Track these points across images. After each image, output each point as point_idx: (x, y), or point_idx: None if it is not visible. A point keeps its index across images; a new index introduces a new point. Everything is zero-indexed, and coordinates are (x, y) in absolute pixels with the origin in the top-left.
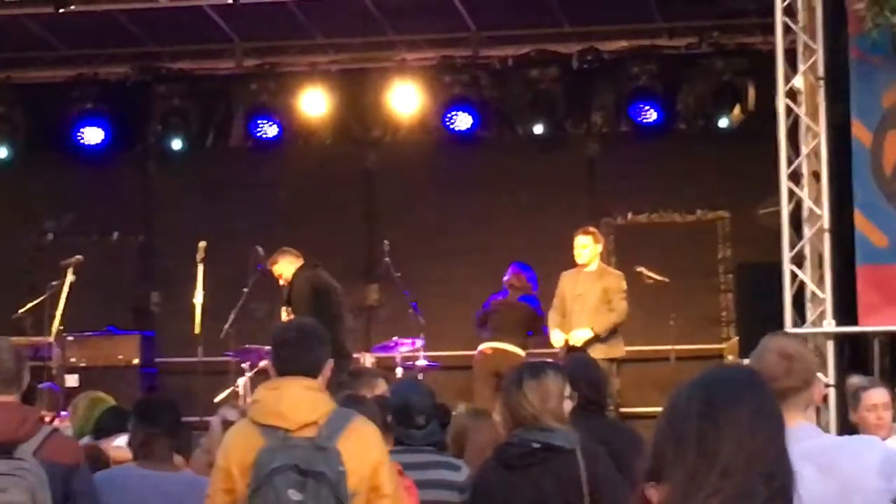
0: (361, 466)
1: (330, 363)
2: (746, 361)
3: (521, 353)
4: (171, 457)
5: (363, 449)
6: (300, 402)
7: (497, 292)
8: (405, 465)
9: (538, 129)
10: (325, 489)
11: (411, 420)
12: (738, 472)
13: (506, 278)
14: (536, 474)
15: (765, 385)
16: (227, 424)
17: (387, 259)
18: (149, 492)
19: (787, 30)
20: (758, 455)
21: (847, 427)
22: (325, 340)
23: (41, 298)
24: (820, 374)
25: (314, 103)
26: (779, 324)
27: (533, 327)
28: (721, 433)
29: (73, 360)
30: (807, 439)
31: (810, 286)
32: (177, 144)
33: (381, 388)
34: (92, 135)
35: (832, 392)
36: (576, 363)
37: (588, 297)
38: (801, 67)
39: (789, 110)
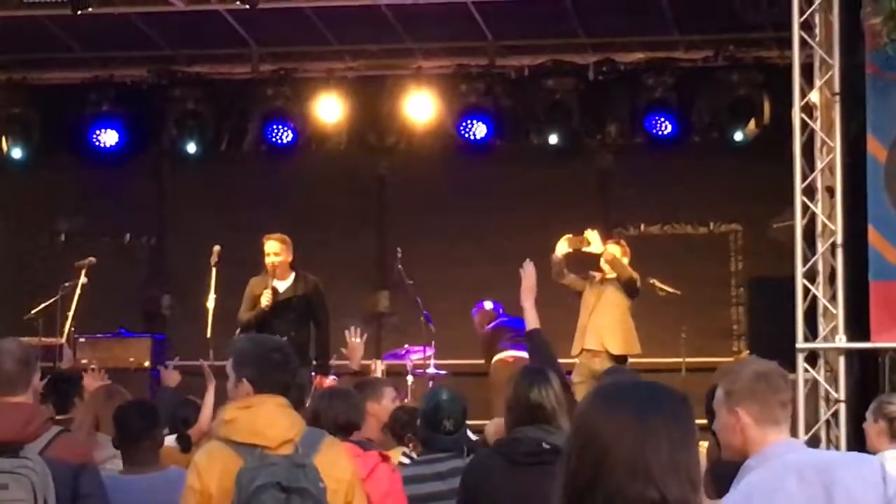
0: (337, 484)
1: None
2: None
3: None
4: (155, 458)
5: (338, 466)
6: (277, 419)
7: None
8: (427, 475)
9: (553, 139)
10: None
11: (438, 425)
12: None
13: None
14: (539, 475)
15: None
16: None
17: (399, 266)
18: (138, 496)
19: (804, 44)
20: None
21: (858, 442)
22: (297, 360)
23: (53, 299)
24: (830, 390)
25: (329, 109)
26: (790, 338)
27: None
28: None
29: (84, 361)
30: (793, 452)
31: (822, 301)
32: (191, 148)
33: (389, 396)
34: (107, 137)
35: (843, 408)
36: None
37: (614, 305)
38: (817, 82)
39: (804, 125)
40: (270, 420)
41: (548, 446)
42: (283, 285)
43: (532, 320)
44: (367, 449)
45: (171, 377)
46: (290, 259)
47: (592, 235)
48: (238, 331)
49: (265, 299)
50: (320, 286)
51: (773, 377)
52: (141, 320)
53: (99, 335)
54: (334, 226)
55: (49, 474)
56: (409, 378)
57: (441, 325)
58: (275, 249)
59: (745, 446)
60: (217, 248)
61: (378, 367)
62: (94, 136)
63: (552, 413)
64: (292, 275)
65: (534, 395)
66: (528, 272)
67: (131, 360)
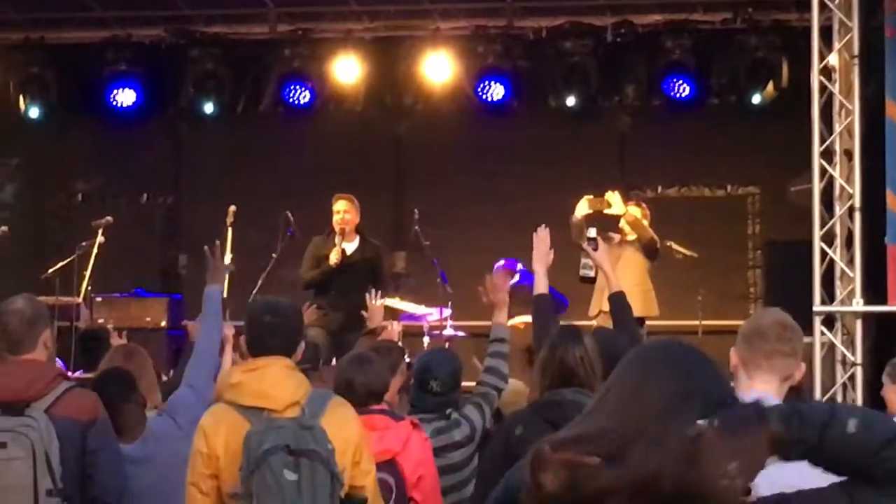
0: (345, 444)
1: (302, 345)
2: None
3: None
4: (143, 419)
5: (344, 428)
6: (283, 382)
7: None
8: None
9: (570, 101)
10: (319, 467)
11: (426, 385)
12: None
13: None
14: None
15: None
16: None
17: (416, 227)
18: (138, 468)
19: (823, 7)
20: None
21: (874, 406)
22: (300, 322)
23: (70, 259)
24: (847, 353)
25: (347, 70)
26: (807, 301)
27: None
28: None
29: (100, 321)
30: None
31: (840, 264)
32: (209, 108)
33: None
34: (124, 97)
35: (859, 371)
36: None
37: (633, 267)
38: (836, 45)
39: (823, 88)
40: (276, 382)
41: None
42: (349, 247)
43: (542, 286)
44: (399, 419)
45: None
46: (357, 220)
47: (614, 197)
48: (303, 287)
49: (335, 256)
50: (382, 252)
51: (769, 328)
52: (158, 280)
53: (116, 294)
54: (351, 187)
55: (53, 432)
56: (426, 339)
57: (458, 286)
58: (345, 208)
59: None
60: (233, 208)
61: (394, 328)
62: (112, 95)
63: (586, 376)
64: (357, 237)
65: (569, 357)
66: (541, 238)
67: (148, 319)
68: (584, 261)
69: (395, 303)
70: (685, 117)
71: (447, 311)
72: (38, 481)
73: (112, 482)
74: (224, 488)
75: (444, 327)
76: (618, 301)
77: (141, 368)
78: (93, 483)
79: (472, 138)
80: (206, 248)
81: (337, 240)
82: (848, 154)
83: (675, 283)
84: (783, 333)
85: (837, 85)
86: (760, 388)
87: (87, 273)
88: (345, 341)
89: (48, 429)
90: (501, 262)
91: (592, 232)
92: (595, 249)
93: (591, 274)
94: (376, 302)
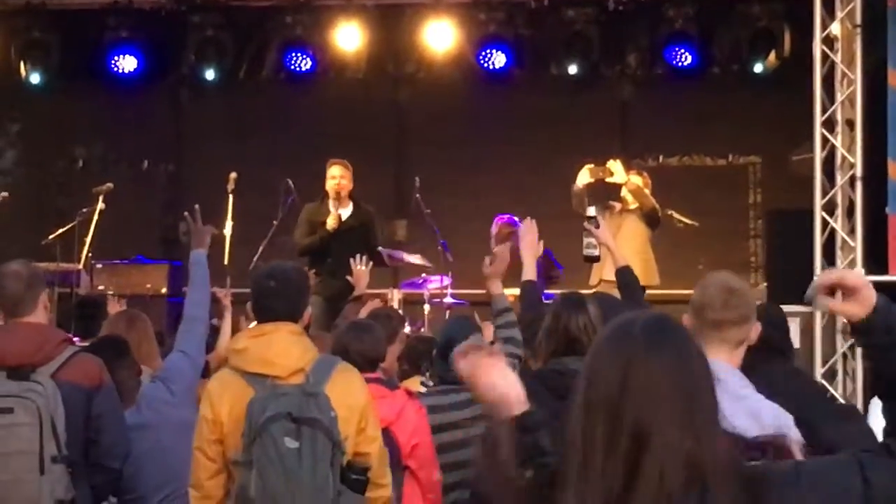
0: (349, 411)
1: (309, 309)
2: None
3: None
4: (126, 391)
5: (349, 394)
6: (288, 348)
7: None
8: (444, 406)
9: (572, 69)
10: (320, 435)
11: (449, 357)
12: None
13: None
14: None
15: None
16: None
17: (417, 195)
18: (137, 434)
19: None
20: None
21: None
22: (304, 286)
23: (71, 225)
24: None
25: (349, 38)
26: (808, 271)
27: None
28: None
29: (101, 287)
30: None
31: (841, 234)
32: (210, 75)
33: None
34: (126, 63)
35: None
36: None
37: (634, 236)
38: (839, 14)
39: (825, 57)
40: (281, 349)
41: None
42: (344, 213)
43: (530, 273)
44: (394, 387)
45: None
46: (351, 186)
47: (615, 166)
48: (298, 254)
49: (332, 221)
50: (375, 217)
51: (714, 296)
52: (158, 246)
53: (116, 261)
54: (352, 154)
55: (59, 397)
56: (426, 307)
57: (458, 254)
58: (341, 173)
59: None
60: (234, 174)
61: (395, 296)
62: (113, 61)
63: (590, 343)
64: (351, 203)
65: (573, 325)
66: (528, 229)
67: (148, 286)
68: (586, 240)
69: (395, 252)
70: (687, 86)
71: (447, 280)
72: (44, 447)
73: (117, 448)
74: (228, 454)
75: (445, 295)
76: (625, 275)
77: (143, 335)
78: (97, 448)
79: (474, 106)
80: (185, 213)
81: (332, 205)
82: (850, 123)
83: (676, 252)
84: (728, 300)
85: (840, 54)
86: (712, 356)
87: (88, 239)
88: (341, 308)
89: (54, 394)
90: (503, 218)
91: (592, 210)
92: (597, 227)
93: (596, 252)
94: (362, 267)
